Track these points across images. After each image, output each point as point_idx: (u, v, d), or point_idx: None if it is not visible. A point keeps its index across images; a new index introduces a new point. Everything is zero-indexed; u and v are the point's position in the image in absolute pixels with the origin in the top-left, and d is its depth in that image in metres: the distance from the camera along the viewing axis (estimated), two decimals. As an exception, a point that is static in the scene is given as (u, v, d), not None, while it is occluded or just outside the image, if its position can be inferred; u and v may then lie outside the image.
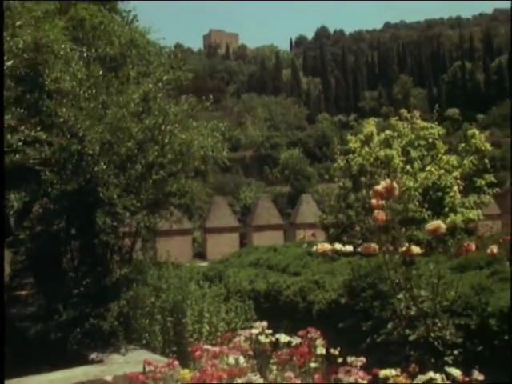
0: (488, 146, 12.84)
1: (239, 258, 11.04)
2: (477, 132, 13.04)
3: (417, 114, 13.18)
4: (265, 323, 5.43)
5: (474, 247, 4.54)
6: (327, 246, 5.01)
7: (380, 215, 4.41)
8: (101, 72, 5.97)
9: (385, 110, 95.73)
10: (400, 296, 4.48)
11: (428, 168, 11.71)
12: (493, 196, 20.75)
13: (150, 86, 6.27)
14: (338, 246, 8.33)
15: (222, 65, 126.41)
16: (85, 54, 6.24)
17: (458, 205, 12.00)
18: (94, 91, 5.79)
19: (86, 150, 5.55)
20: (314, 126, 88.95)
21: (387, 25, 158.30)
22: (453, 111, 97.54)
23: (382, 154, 11.78)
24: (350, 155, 12.30)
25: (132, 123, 5.90)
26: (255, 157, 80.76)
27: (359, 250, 5.92)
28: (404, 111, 13.42)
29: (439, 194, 11.96)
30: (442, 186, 11.92)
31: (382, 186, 4.68)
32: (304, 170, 65.19)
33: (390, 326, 4.43)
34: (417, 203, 11.37)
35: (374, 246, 4.60)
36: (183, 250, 18.08)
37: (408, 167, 12.07)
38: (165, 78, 6.42)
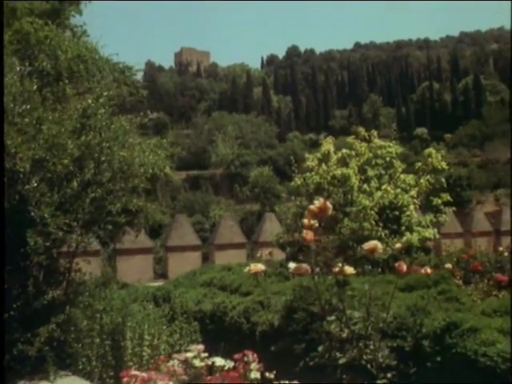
0: (444, 165, 12.93)
1: (193, 278, 10.89)
2: (433, 151, 13.14)
3: (374, 132, 13.24)
4: (201, 346, 5.28)
5: (404, 267, 4.46)
6: (260, 267, 4.87)
7: (308, 235, 4.31)
8: (35, 87, 5.80)
9: (355, 128, 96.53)
10: (331, 318, 4.37)
11: (384, 187, 11.73)
12: (455, 214, 20.93)
13: (90, 101, 6.12)
14: (291, 265, 8.24)
15: (193, 82, 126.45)
16: (18, 68, 6.06)
17: (414, 224, 12.04)
18: (27, 106, 5.62)
19: (17, 168, 5.36)
20: (285, 145, 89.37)
21: (357, 45, 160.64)
22: (421, 130, 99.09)
23: (338, 172, 11.78)
24: (308, 174, 12.28)
25: (69, 140, 5.73)
26: (225, 175, 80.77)
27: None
28: (361, 130, 13.46)
29: (396, 212, 11.98)
30: (398, 204, 11.94)
31: (315, 205, 4.60)
32: (274, 188, 65.35)
33: (320, 349, 4.32)
34: (373, 222, 11.37)
35: (306, 266, 4.50)
36: (144, 269, 17.75)
37: (365, 186, 12.08)
38: (105, 93, 6.27)
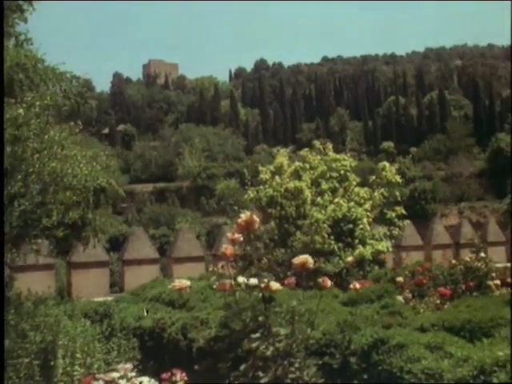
0: (398, 179, 13.03)
1: (143, 292, 10.69)
2: (387, 164, 13.23)
3: (329, 145, 13.28)
4: (128, 365, 5.12)
5: (329, 282, 4.36)
6: (185, 283, 4.71)
7: (228, 250, 4.18)
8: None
9: (322, 141, 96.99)
10: (256, 335, 4.23)
11: (336, 200, 11.74)
12: (418, 227, 21.03)
13: (21, 111, 5.90)
14: (241, 279, 8.13)
15: (160, 94, 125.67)
16: None
17: (367, 237, 12.06)
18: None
19: None
20: (252, 157, 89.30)
21: (325, 59, 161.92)
22: (387, 144, 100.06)
23: (291, 185, 11.76)
24: (261, 186, 12.24)
25: (-5, 151, 5.50)
26: (192, 187, 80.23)
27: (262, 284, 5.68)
28: (316, 142, 13.49)
29: (350, 226, 11.99)
30: (352, 218, 11.96)
31: (242, 219, 4.48)
32: (240, 200, 65.13)
33: (242, 367, 4.17)
34: (325, 235, 11.35)
35: (230, 282, 4.36)
36: (100, 283, 17.43)
37: (318, 199, 12.08)
38: (38, 103, 6.07)
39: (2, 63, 5.55)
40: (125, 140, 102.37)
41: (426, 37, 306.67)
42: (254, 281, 7.76)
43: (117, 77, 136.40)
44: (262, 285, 4.45)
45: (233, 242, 4.36)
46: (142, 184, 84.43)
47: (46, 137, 6.10)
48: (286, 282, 5.48)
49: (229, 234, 4.42)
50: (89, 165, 6.32)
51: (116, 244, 34.49)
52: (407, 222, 13.33)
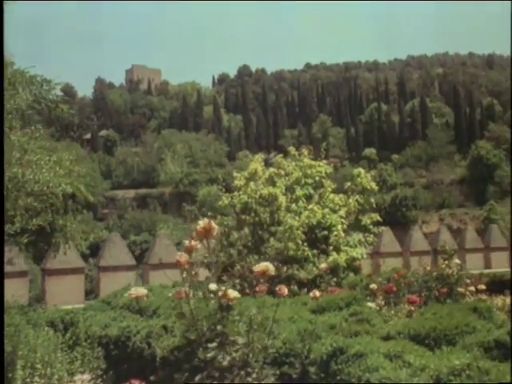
0: (374, 185, 13.01)
1: (114, 299, 10.53)
2: (362, 171, 13.22)
3: (305, 151, 13.23)
4: (86, 376, 5.00)
5: (286, 291, 4.28)
6: (142, 291, 4.62)
7: (183, 258, 4.09)
8: None
9: (305, 148, 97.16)
10: (212, 345, 4.14)
11: (311, 207, 11.69)
12: (399, 234, 21.12)
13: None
14: (212, 286, 8.04)
15: (143, 100, 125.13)
16: None
17: (342, 243, 12.02)
18: None
19: None
20: (234, 163, 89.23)
21: (308, 65, 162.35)
22: (369, 151, 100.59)
23: (265, 192, 11.69)
24: (236, 192, 12.16)
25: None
26: (174, 193, 79.91)
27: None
28: (292, 149, 13.44)
29: (325, 232, 11.94)
30: (327, 224, 11.91)
31: (200, 225, 4.39)
32: (216, 207, 64.96)
33: (197, 378, 4.08)
34: (299, 242, 11.28)
35: (186, 290, 4.27)
36: (75, 290, 17.18)
37: (293, 206, 12.02)
38: (-2, 107, 5.92)
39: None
40: (107, 145, 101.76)
41: (407, 44, 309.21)
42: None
43: (99, 82, 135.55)
44: (220, 293, 4.37)
45: (189, 249, 4.27)
46: (124, 190, 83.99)
47: (7, 141, 5.96)
48: (257, 289, 5.41)
49: (186, 242, 4.34)
50: (52, 170, 6.19)
51: (97, 250, 34.38)
52: (384, 228, 13.33)
